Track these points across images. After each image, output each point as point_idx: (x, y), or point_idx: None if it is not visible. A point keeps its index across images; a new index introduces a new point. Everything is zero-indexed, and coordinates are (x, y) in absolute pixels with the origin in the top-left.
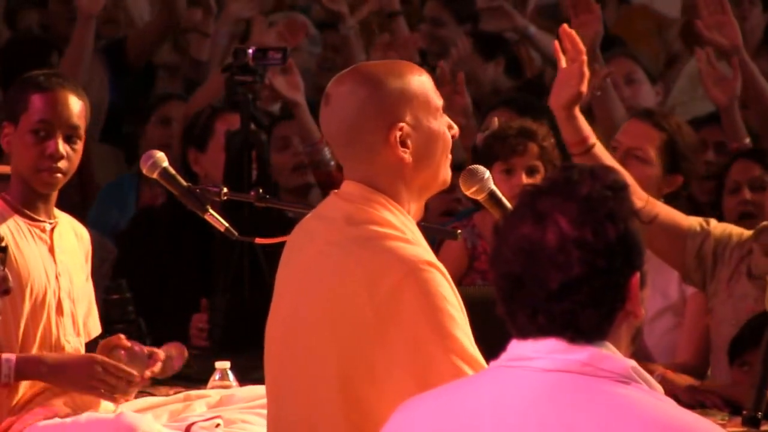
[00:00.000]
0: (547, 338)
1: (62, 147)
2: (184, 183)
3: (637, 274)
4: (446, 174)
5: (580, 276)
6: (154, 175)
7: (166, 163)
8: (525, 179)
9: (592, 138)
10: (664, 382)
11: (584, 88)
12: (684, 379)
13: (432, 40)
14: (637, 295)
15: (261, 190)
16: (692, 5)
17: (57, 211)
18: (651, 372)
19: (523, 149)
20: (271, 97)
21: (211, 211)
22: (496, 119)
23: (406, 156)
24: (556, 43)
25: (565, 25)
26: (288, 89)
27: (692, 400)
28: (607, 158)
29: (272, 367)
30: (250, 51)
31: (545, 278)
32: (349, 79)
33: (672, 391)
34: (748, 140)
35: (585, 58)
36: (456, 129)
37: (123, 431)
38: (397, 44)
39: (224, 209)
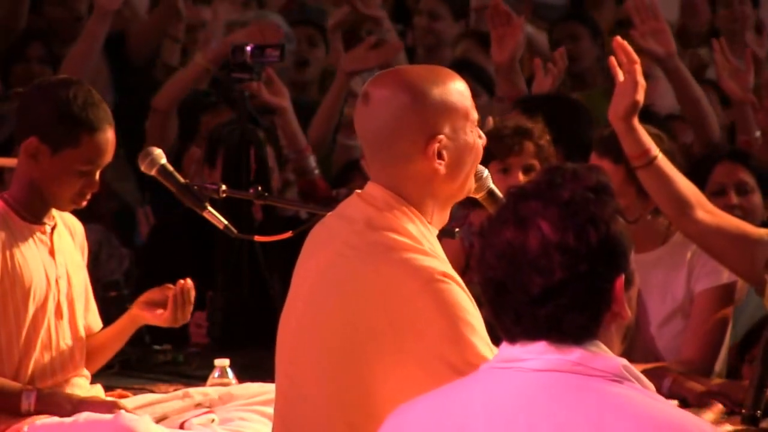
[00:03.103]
0: (534, 341)
1: (97, 178)
2: (182, 180)
3: (622, 277)
4: (472, 184)
5: (562, 280)
6: (152, 172)
7: (164, 160)
8: (522, 178)
9: (654, 150)
10: (675, 386)
11: (640, 97)
12: (695, 385)
13: (426, 34)
14: (623, 297)
15: (260, 188)
16: (690, 7)
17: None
18: (663, 376)
19: (520, 148)
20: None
21: (210, 208)
22: (490, 118)
23: (441, 167)
24: (612, 58)
25: (618, 38)
26: (272, 97)
27: (701, 403)
28: (672, 170)
29: (283, 361)
30: (248, 48)
31: (527, 283)
32: (391, 82)
33: (683, 396)
34: (758, 134)
35: (639, 67)
36: (484, 139)
37: None
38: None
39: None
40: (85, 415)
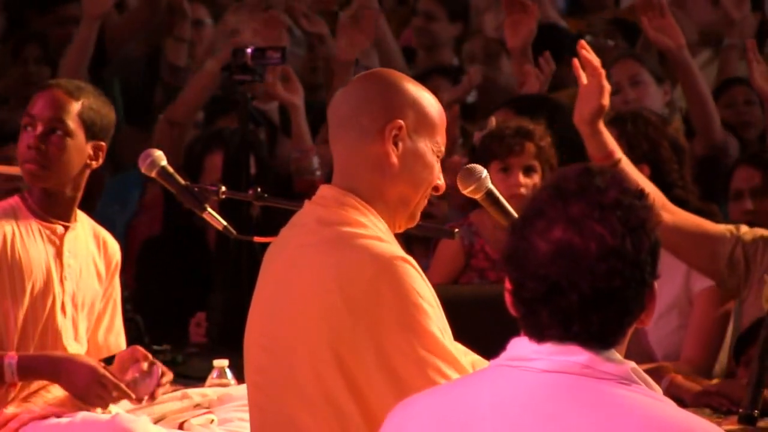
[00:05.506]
0: (565, 344)
1: (39, 138)
2: (182, 181)
3: (655, 284)
4: (416, 210)
5: (618, 286)
6: (153, 174)
7: (164, 162)
8: (522, 178)
9: (618, 153)
10: (672, 386)
11: (605, 101)
12: (692, 385)
13: (423, 34)
14: (654, 305)
15: (259, 189)
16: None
17: (83, 217)
18: (660, 376)
19: (520, 149)
20: (268, 98)
21: (210, 209)
22: (493, 119)
23: (393, 156)
24: (575, 61)
25: (583, 42)
26: (286, 93)
27: (699, 403)
28: (634, 172)
29: (251, 372)
30: (249, 50)
31: (584, 287)
32: (372, 73)
33: (680, 396)
34: None
35: (603, 71)
36: (443, 185)
37: None
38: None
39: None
40: (81, 415)
